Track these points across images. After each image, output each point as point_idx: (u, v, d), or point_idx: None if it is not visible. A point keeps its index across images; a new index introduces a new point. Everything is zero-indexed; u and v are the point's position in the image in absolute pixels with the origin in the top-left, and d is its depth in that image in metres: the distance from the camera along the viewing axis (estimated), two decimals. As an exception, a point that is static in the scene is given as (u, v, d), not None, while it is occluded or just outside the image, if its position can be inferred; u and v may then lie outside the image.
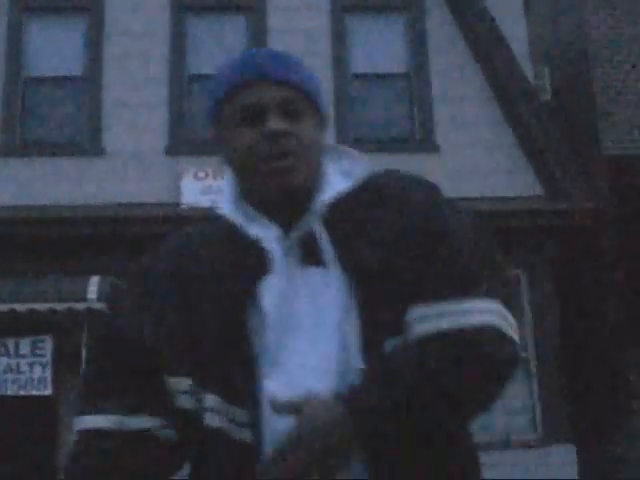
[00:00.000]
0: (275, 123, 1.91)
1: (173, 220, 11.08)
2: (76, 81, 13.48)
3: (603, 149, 13.80)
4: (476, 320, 1.81)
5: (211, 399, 1.88)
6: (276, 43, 13.46)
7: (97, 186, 12.52)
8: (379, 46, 13.81)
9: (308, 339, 1.85)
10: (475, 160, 13.10)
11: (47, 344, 11.13)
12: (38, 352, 11.11)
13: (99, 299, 10.96)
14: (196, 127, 13.15)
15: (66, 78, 13.51)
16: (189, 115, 13.28)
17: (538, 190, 13.11)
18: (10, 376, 11.06)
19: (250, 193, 2.02)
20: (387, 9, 14.06)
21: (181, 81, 13.41)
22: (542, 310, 12.64)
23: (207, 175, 12.42)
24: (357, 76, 13.59)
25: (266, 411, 1.80)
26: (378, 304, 1.85)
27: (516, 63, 13.44)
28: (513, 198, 12.87)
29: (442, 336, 1.80)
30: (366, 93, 13.49)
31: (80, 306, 10.95)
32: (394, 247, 1.90)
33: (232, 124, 1.98)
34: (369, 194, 2.00)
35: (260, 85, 1.94)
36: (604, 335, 13.57)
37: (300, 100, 1.97)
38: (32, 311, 10.82)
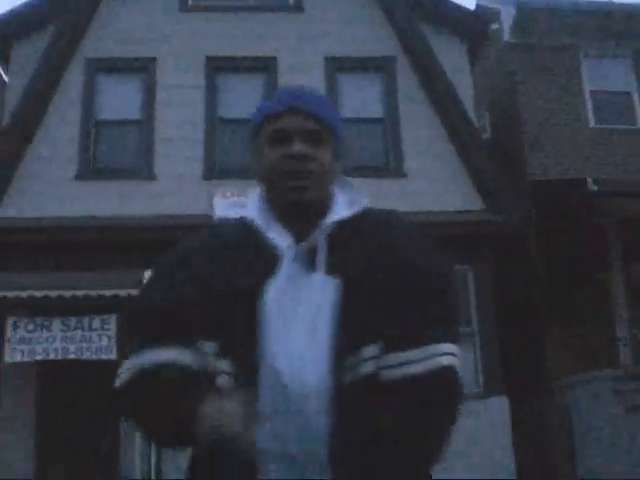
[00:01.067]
0: (299, 146, 1.83)
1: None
2: (134, 123, 13.56)
3: (529, 175, 13.88)
4: (437, 364, 1.72)
5: (225, 363, 1.76)
6: (284, 95, 13.55)
7: (150, 202, 12.59)
8: (361, 97, 13.91)
9: (303, 331, 1.73)
10: (434, 183, 13.16)
11: (112, 320, 11.16)
12: (106, 327, 11.10)
13: (151, 287, 10.99)
14: (225, 158, 13.26)
15: (127, 121, 13.60)
16: (220, 149, 13.36)
17: (481, 205, 13.18)
18: (85, 345, 11.06)
19: (273, 203, 1.91)
20: (367, 69, 14.13)
21: (213, 123, 13.49)
22: (483, 296, 12.72)
23: (233, 194, 12.48)
24: (345, 120, 13.64)
25: (265, 379, 1.70)
26: (358, 309, 1.73)
27: (464, 110, 13.54)
28: (462, 211, 12.94)
29: (411, 381, 1.70)
30: (351, 132, 13.54)
31: (136, 292, 10.97)
32: (375, 265, 1.78)
33: (264, 144, 1.89)
34: (365, 221, 1.88)
35: (290, 115, 1.85)
36: (530, 316, 13.64)
37: (322, 131, 1.89)
38: (101, 296, 10.89)
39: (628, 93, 14.83)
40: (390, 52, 14.05)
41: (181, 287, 1.84)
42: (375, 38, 14.13)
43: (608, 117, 14.62)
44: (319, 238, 1.81)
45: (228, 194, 12.55)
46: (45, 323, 11.17)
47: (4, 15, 13.63)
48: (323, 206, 1.88)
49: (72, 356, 11.04)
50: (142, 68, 13.77)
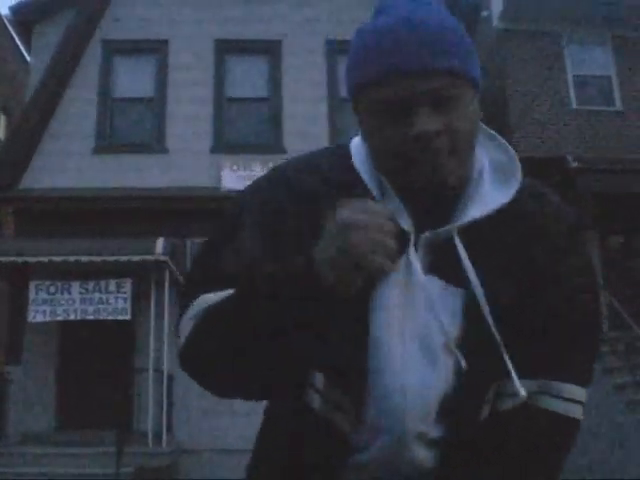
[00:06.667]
0: (424, 122, 1.12)
1: (215, 199, 11.16)
2: (148, 101, 13.48)
3: (516, 152, 13.83)
4: (574, 412, 1.27)
5: (318, 378, 1.23)
6: (288, 75, 13.48)
7: (162, 174, 12.58)
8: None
9: (415, 355, 1.20)
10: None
11: (128, 284, 11.19)
12: (121, 290, 11.14)
13: (163, 253, 11.04)
14: (232, 134, 13.21)
15: (141, 98, 13.52)
16: (227, 125, 13.31)
17: (469, 180, 13.15)
18: (102, 306, 11.11)
19: (389, 177, 1.23)
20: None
21: (221, 101, 13.42)
22: (471, 264, 12.71)
23: (239, 168, 12.50)
24: (343, 99, 13.61)
25: (370, 406, 1.21)
26: (488, 342, 1.18)
27: (455, 91, 13.45)
28: (452, 186, 12.90)
29: (549, 415, 1.25)
30: (349, 110, 13.51)
31: (150, 258, 11.02)
32: (528, 288, 1.22)
33: (370, 114, 1.19)
34: (516, 215, 1.25)
35: (402, 77, 1.12)
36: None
37: (452, 83, 1.14)
38: (117, 261, 10.90)
39: (608, 77, 14.79)
40: (387, 36, 13.94)
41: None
42: (373, 23, 14.02)
43: (589, 99, 14.59)
44: (454, 234, 1.20)
45: (235, 167, 12.55)
46: (65, 286, 11.22)
47: (27, 0, 13.55)
48: (463, 187, 1.24)
49: (90, 317, 11.09)
50: (155, 50, 13.68)
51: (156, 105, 13.36)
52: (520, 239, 1.24)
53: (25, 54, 15.34)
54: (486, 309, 1.18)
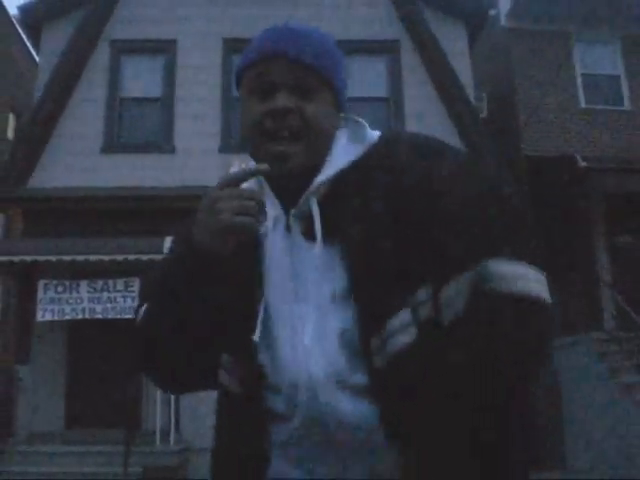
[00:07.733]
0: (282, 100, 1.36)
1: (223, 198, 11.15)
2: (156, 100, 13.50)
3: (523, 151, 13.82)
4: (525, 288, 1.20)
5: (224, 357, 1.41)
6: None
7: (170, 174, 12.59)
8: (368, 77, 13.80)
9: (309, 312, 1.32)
10: (434, 158, 13.08)
11: (136, 283, 11.20)
12: (129, 289, 11.16)
13: (171, 252, 11.05)
14: (240, 133, 13.21)
15: (149, 98, 13.54)
16: (235, 125, 13.30)
17: (477, 180, 13.10)
18: (110, 305, 11.14)
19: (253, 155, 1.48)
20: (374, 52, 14.02)
21: (230, 100, 13.42)
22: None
23: (247, 167, 12.50)
24: (353, 99, 13.58)
25: (279, 370, 1.34)
26: (373, 282, 1.28)
27: (463, 90, 13.43)
28: (460, 185, 12.86)
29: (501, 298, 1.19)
30: (359, 110, 13.48)
31: (158, 257, 11.01)
32: (386, 221, 1.30)
33: (246, 93, 1.43)
34: (371, 165, 1.37)
35: (274, 62, 1.38)
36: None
37: (312, 78, 1.38)
38: (126, 260, 10.91)
39: (617, 76, 14.75)
40: (395, 36, 13.93)
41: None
42: (381, 22, 14.00)
43: (598, 98, 14.56)
44: (311, 203, 1.37)
45: (243, 166, 12.54)
46: (73, 285, 11.24)
47: (36, 0, 13.58)
48: (316, 168, 1.39)
49: (98, 316, 11.11)
50: (163, 49, 13.69)
51: (164, 104, 13.37)
52: (386, 180, 1.35)
53: (34, 54, 15.37)
54: (340, 259, 1.33)
